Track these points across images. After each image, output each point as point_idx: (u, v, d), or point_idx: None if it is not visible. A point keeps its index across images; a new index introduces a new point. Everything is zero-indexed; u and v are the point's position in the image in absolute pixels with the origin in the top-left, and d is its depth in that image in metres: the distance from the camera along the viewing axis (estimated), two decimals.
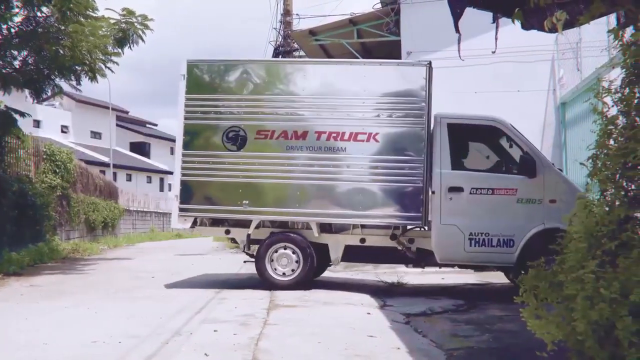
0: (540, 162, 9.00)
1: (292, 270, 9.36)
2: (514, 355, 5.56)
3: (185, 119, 9.46)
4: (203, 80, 9.64)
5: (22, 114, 14.84)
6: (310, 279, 9.54)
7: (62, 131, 39.69)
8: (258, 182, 9.34)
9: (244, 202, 9.27)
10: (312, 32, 15.60)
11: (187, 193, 9.42)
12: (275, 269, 9.38)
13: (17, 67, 13.85)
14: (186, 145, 9.45)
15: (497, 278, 10.49)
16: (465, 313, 7.81)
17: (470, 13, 6.77)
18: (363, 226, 9.44)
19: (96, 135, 44.67)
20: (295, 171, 9.33)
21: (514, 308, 7.52)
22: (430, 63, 9.32)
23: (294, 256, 9.37)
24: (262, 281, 9.43)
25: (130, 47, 14.46)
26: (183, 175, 9.42)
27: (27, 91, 15.30)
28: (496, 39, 6.68)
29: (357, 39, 15.41)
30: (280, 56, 19.11)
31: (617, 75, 4.17)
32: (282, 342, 5.62)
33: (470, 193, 8.96)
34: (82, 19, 12.95)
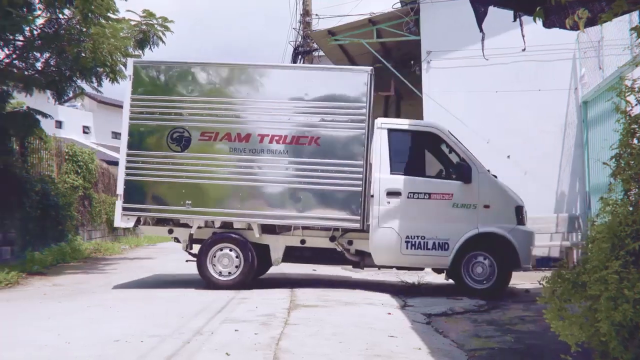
0: (476, 168, 9.32)
1: (233, 270, 9.49)
2: (536, 356, 5.53)
3: (130, 119, 9.54)
4: (148, 81, 9.71)
5: (45, 115, 14.97)
6: (250, 279, 9.62)
7: (84, 132, 39.91)
8: (201, 183, 9.48)
9: (187, 202, 9.39)
10: (331, 32, 15.56)
11: (131, 192, 9.48)
12: (216, 268, 9.51)
13: (40, 68, 13.98)
14: (131, 145, 9.52)
15: (519, 279, 10.42)
16: (487, 313, 7.78)
17: (490, 12, 6.73)
18: (304, 227, 9.61)
19: (117, 135, 44.79)
20: (237, 173, 9.48)
21: (535, 309, 7.52)
22: (372, 70, 9.56)
23: (235, 256, 9.49)
24: (203, 280, 9.57)
25: (150, 48, 14.58)
26: (127, 174, 9.47)
27: (49, 92, 15.40)
28: (523, 36, 6.66)
29: (376, 39, 15.36)
30: (299, 56, 19.13)
31: None
32: (303, 342, 5.62)
33: (408, 197, 9.25)
34: (103, 21, 13.03)
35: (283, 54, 49.22)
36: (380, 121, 9.67)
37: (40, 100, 17.04)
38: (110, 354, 5.23)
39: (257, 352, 5.17)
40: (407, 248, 9.18)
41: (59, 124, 32.08)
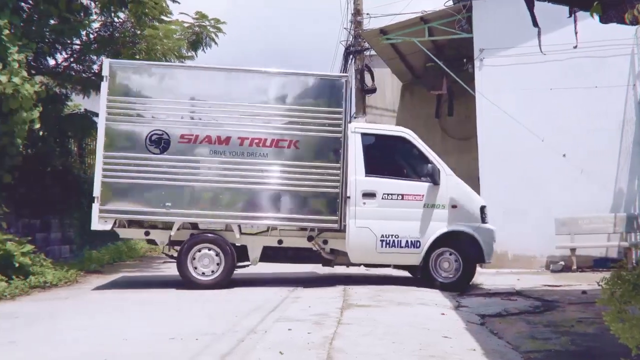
0: (444, 170, 9.95)
1: (213, 271, 9.60)
2: (594, 359, 5.41)
3: (107, 120, 9.40)
4: (126, 82, 9.59)
5: None
6: (230, 278, 9.72)
7: None
8: (181, 185, 9.50)
9: (167, 204, 9.41)
10: (382, 31, 15.48)
11: (109, 194, 9.35)
12: (197, 269, 9.57)
13: (96, 71, 14.28)
14: (108, 147, 9.37)
15: (575, 280, 10.24)
16: (542, 315, 7.65)
17: (544, 8, 6.63)
18: (281, 228, 9.88)
19: None
20: (218, 175, 9.58)
21: (593, 310, 7.35)
22: (348, 77, 10.04)
23: (215, 257, 9.62)
24: (183, 281, 9.60)
25: (203, 49, 14.72)
26: (104, 176, 9.32)
27: None
28: (576, 33, 6.54)
29: (428, 37, 15.24)
30: (350, 56, 19.11)
31: None
32: (356, 342, 5.62)
33: (382, 198, 9.77)
34: (156, 23, 13.26)
35: (334, 54, 49.23)
36: (353, 126, 10.05)
37: (97, 103, 17.43)
38: (165, 352, 5.32)
39: (311, 352, 5.19)
40: (382, 247, 9.70)
41: None
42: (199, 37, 14.50)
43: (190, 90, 9.74)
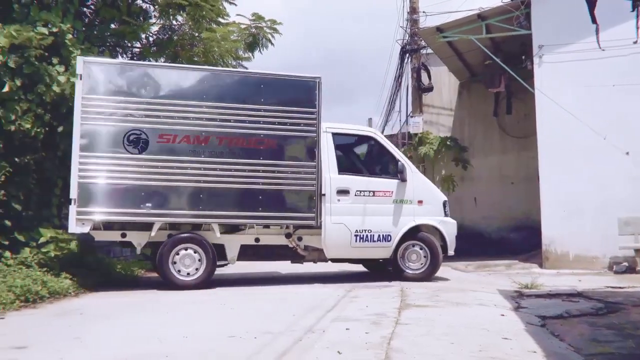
0: (410, 168, 10.65)
1: (196, 270, 9.57)
2: None
3: (83, 120, 9.10)
4: (102, 81, 9.33)
5: None
6: (211, 278, 9.74)
7: None
8: (160, 185, 9.38)
9: (147, 204, 9.29)
10: (439, 29, 15.36)
11: (86, 196, 9.06)
12: (179, 270, 9.52)
13: None
14: (84, 147, 9.07)
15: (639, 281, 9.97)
16: (605, 317, 7.46)
17: (606, 2, 6.48)
18: (258, 226, 10.01)
19: None
20: (198, 174, 9.51)
21: None
22: (320, 78, 10.09)
23: (196, 256, 9.57)
24: (164, 282, 9.57)
25: (260, 51, 14.82)
26: (81, 177, 9.03)
27: None
28: (637, 27, 6.36)
29: (485, 35, 15.06)
30: (407, 54, 19.02)
31: None
32: (414, 342, 5.58)
33: (355, 195, 10.27)
34: (214, 26, 13.43)
35: (390, 53, 49.10)
36: (325, 125, 10.26)
37: None
38: (226, 349, 5.38)
39: (369, 351, 5.18)
40: (356, 241, 10.17)
41: None
42: (255, 38, 14.59)
43: (167, 90, 9.59)
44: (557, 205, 13.29)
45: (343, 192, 10.19)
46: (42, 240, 9.45)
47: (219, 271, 10.39)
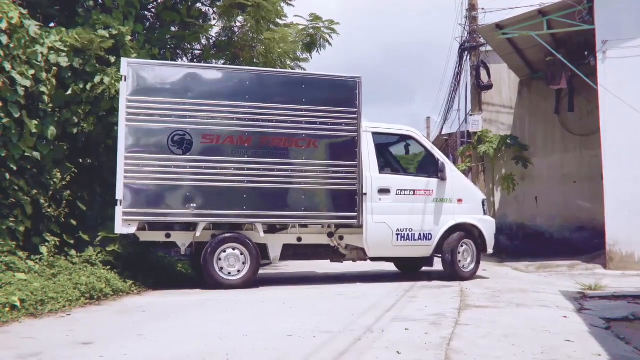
0: (449, 167, 10.77)
1: (239, 270, 9.64)
2: None
3: (128, 121, 9.18)
4: (146, 82, 9.39)
5: None
6: (255, 277, 9.80)
7: None
8: (205, 186, 9.44)
9: (191, 205, 9.36)
10: (499, 26, 15.14)
11: (132, 197, 9.16)
12: (222, 268, 9.58)
13: None
14: (130, 148, 9.16)
15: None
16: None
17: None
18: (300, 226, 10.11)
19: None
20: (241, 175, 9.57)
21: None
22: (360, 78, 10.17)
23: (241, 256, 9.65)
24: (208, 281, 9.59)
25: (317, 51, 14.85)
26: (126, 178, 9.11)
27: None
28: None
29: (546, 31, 14.77)
30: (466, 52, 18.82)
31: None
32: (474, 343, 5.52)
33: (396, 194, 10.35)
34: (273, 27, 13.52)
35: (449, 51, 48.56)
36: (365, 125, 10.37)
37: None
38: (285, 348, 5.41)
39: (428, 352, 5.15)
40: (397, 240, 10.25)
41: None
42: (313, 39, 14.64)
43: (210, 90, 9.69)
44: (622, 204, 12.94)
45: (384, 191, 10.28)
46: (102, 235, 9.67)
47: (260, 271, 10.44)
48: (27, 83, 8.57)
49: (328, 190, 9.99)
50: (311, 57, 14.80)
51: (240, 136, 9.62)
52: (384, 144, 11.04)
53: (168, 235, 9.71)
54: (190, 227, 9.67)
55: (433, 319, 6.65)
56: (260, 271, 10.35)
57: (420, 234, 10.38)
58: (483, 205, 10.94)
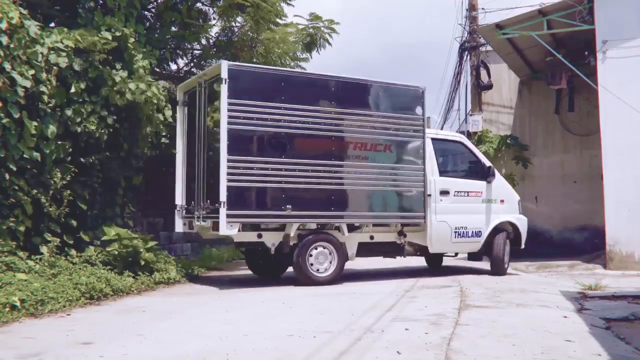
0: (493, 170, 11.72)
1: (328, 267, 10.09)
2: None
3: (229, 124, 9.31)
4: (245, 86, 9.57)
5: None
6: (341, 274, 10.27)
7: None
8: (298, 187, 9.76)
9: (287, 206, 9.60)
10: (499, 26, 15.14)
11: (234, 199, 9.31)
12: (312, 266, 9.94)
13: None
14: (231, 151, 9.30)
15: None
16: None
17: None
18: (374, 225, 10.74)
19: None
20: (329, 177, 10.01)
21: None
22: (425, 88, 11.00)
23: (329, 254, 10.10)
24: (300, 278, 9.95)
25: (317, 51, 14.85)
26: (229, 180, 9.25)
27: None
28: None
29: (546, 30, 14.77)
30: (466, 52, 18.81)
31: None
32: (475, 343, 5.52)
33: (454, 195, 11.26)
34: (272, 27, 13.51)
35: (449, 51, 48.56)
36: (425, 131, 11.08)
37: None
38: (285, 348, 5.42)
39: (428, 352, 5.15)
40: (455, 237, 11.21)
41: None
42: (313, 38, 14.63)
43: (302, 96, 9.94)
44: (622, 204, 12.95)
45: (444, 192, 11.12)
46: (105, 238, 9.68)
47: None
48: (27, 83, 8.56)
49: (401, 192, 10.72)
50: (311, 57, 14.82)
51: (328, 140, 10.07)
52: (441, 149, 11.61)
53: (260, 236, 9.94)
54: (280, 227, 10.01)
55: (433, 319, 6.66)
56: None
57: (472, 232, 11.37)
58: (519, 204, 12.13)
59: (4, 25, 8.29)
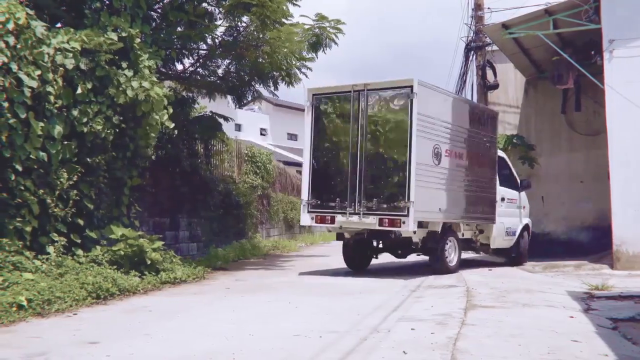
0: (522, 182, 14.55)
1: (453, 258, 11.91)
2: None
3: (417, 135, 10.71)
4: (425, 102, 10.91)
5: (226, 119, 15.82)
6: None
7: (261, 134, 41.48)
8: (446, 191, 11.65)
9: (440, 207, 11.39)
10: (505, 26, 15.10)
11: (419, 200, 10.64)
12: (447, 257, 11.72)
13: (221, 75, 14.75)
14: (416, 158, 10.68)
15: None
16: None
17: None
18: (463, 224, 12.63)
19: (292, 137, 46.18)
20: (459, 184, 12.08)
21: None
22: (499, 112, 14.39)
23: (455, 247, 11.99)
24: (438, 266, 11.61)
25: (323, 51, 14.81)
26: (417, 184, 10.59)
27: (229, 97, 16.25)
28: None
29: (553, 30, 14.72)
30: (471, 52, 18.76)
31: None
32: (481, 343, 5.52)
33: (506, 201, 13.78)
34: (278, 26, 13.49)
35: (455, 50, 48.52)
36: None
37: (221, 105, 18.01)
38: (291, 348, 5.42)
39: (435, 352, 5.15)
40: (505, 236, 13.69)
41: (237, 127, 33.52)
42: (319, 38, 14.60)
43: (450, 114, 11.86)
44: (629, 204, 12.89)
45: (502, 199, 13.53)
46: (112, 236, 9.70)
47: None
48: (34, 84, 8.58)
49: (488, 197, 12.94)
50: (317, 57, 14.78)
51: (461, 152, 12.09)
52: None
53: (414, 232, 11.22)
54: (423, 224, 11.40)
55: (439, 319, 6.65)
56: (265, 272, 10.35)
57: (512, 231, 13.88)
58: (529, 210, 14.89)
59: (10, 26, 8.31)
